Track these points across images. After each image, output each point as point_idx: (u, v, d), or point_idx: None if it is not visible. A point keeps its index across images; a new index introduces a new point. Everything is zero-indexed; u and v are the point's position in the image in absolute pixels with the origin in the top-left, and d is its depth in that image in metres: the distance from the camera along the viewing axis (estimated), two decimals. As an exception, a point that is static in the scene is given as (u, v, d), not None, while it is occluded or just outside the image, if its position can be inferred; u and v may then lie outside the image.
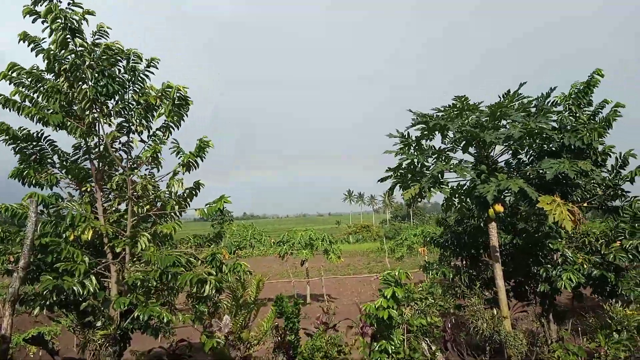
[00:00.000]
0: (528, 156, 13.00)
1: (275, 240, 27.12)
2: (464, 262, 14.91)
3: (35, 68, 9.34)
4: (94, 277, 8.54)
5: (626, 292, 11.51)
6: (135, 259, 9.66)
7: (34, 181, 9.65)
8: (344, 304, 25.78)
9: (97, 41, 8.92)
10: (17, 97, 9.10)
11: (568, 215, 10.43)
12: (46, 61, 9.05)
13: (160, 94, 9.16)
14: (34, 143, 9.70)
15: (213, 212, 9.43)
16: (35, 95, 9.18)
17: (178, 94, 9.05)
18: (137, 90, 9.40)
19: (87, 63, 8.71)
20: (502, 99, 12.27)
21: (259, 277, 11.55)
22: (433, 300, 12.52)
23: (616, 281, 11.51)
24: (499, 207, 12.11)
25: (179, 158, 9.61)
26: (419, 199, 12.50)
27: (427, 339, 12.26)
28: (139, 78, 9.34)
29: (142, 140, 9.85)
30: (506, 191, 12.59)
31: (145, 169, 10.38)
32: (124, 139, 9.87)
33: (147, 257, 8.67)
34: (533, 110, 12.19)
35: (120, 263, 9.49)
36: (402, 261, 30.31)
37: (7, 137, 9.32)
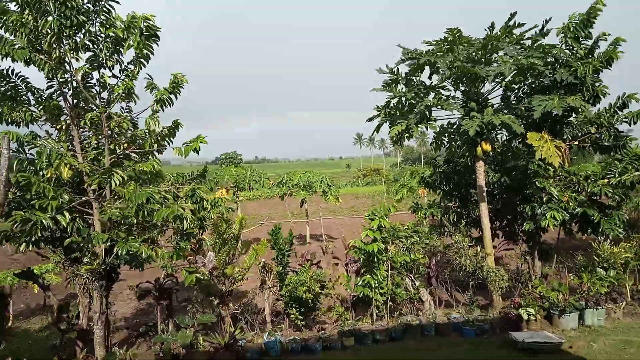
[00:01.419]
0: (519, 92, 12.57)
1: (274, 182, 27.26)
2: (454, 202, 14.86)
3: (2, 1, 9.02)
4: (67, 213, 8.63)
5: (607, 231, 11.45)
6: (115, 197, 9.72)
7: (9, 119, 9.59)
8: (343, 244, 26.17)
9: None
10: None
11: (555, 152, 10.24)
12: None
13: (127, 26, 8.81)
14: (6, 80, 9.53)
15: (189, 151, 9.35)
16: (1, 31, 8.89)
17: (145, 24, 8.68)
18: (104, 22, 9.07)
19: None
20: (495, 32, 11.73)
21: (242, 216, 11.65)
22: (418, 239, 12.58)
23: (599, 219, 11.40)
24: (486, 146, 11.91)
25: (153, 95, 9.41)
26: (407, 137, 12.31)
27: (411, 275, 12.46)
28: (104, 9, 8.98)
29: (114, 76, 9.62)
30: (498, 129, 12.35)
31: (124, 105, 10.24)
32: (97, 74, 9.64)
33: (122, 194, 8.71)
34: (528, 43, 11.66)
35: (97, 200, 9.55)
36: (401, 202, 30.37)
37: (-23, 74, 9.17)
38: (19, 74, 9.63)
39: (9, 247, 14.64)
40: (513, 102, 12.36)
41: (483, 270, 11.92)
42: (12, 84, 9.61)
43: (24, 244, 9.57)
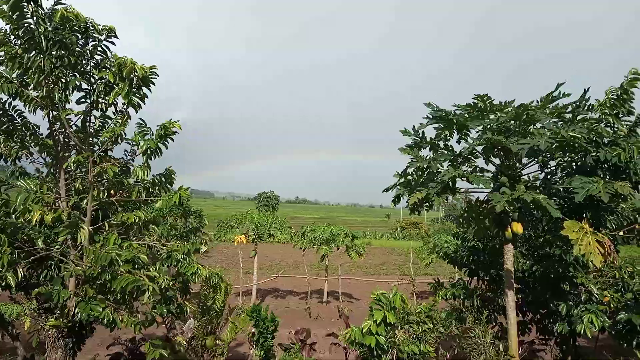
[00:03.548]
0: (558, 170, 11.05)
1: (296, 231, 26.13)
2: (481, 284, 13.20)
3: (2, 31, 8.59)
4: (20, 270, 7.76)
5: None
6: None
7: (-5, 154, 9.05)
8: (361, 307, 24.43)
9: (55, 6, 7.99)
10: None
11: (596, 248, 8.60)
12: (8, 25, 8.25)
13: (117, 71, 8.09)
14: (2, 111, 9.02)
15: (170, 203, 8.45)
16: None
17: (134, 75, 7.93)
18: (98, 63, 8.46)
19: (41, 31, 7.80)
20: (532, 103, 10.45)
21: (226, 283, 10.47)
22: (432, 326, 10.98)
23: (650, 331, 9.48)
24: (517, 227, 10.36)
25: (141, 144, 8.62)
26: (426, 207, 11.01)
27: (420, 368, 10.82)
28: (98, 50, 8.38)
29: (107, 117, 8.95)
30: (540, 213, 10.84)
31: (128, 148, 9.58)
32: (89, 116, 9.00)
33: (86, 253, 7.81)
34: (568, 116, 10.26)
35: (74, 250, 8.69)
36: (428, 268, 28.53)
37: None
38: (16, 108, 9.15)
39: None
40: (552, 183, 10.83)
41: (504, 375, 10.15)
42: (9, 117, 9.13)
43: (-1, 285, 8.80)
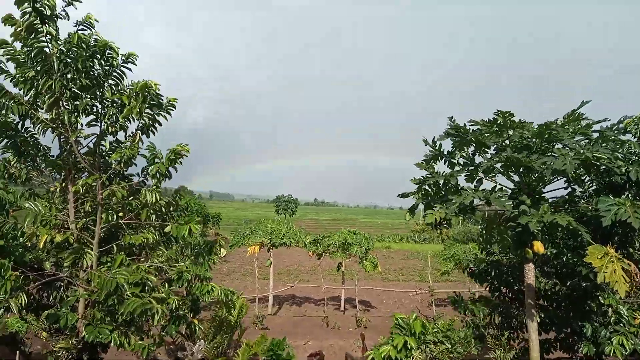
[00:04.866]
0: (584, 187, 10.57)
1: (310, 239, 25.81)
2: (503, 299, 12.71)
3: (17, 51, 8.55)
4: (24, 295, 7.68)
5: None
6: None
7: (5, 175, 9.03)
8: (379, 316, 24.03)
9: (81, 32, 7.96)
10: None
11: (622, 276, 8.13)
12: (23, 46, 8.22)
13: (133, 93, 8.03)
14: (14, 131, 8.98)
15: (181, 232, 8.33)
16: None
17: (147, 92, 7.83)
18: (112, 86, 8.40)
19: (54, 52, 7.74)
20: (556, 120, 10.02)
21: (242, 301, 10.27)
22: (450, 346, 10.61)
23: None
24: (539, 247, 9.94)
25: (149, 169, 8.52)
26: (445, 225, 10.69)
27: (438, 392, 10.47)
28: (114, 74, 8.32)
29: (117, 141, 8.86)
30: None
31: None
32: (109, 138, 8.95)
33: (90, 277, 7.69)
34: (594, 135, 9.78)
35: (67, 278, 8.60)
36: (447, 276, 27.97)
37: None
38: (27, 129, 9.11)
39: None
40: (576, 200, 10.38)
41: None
42: (21, 137, 9.08)
43: (2, 309, 8.77)
